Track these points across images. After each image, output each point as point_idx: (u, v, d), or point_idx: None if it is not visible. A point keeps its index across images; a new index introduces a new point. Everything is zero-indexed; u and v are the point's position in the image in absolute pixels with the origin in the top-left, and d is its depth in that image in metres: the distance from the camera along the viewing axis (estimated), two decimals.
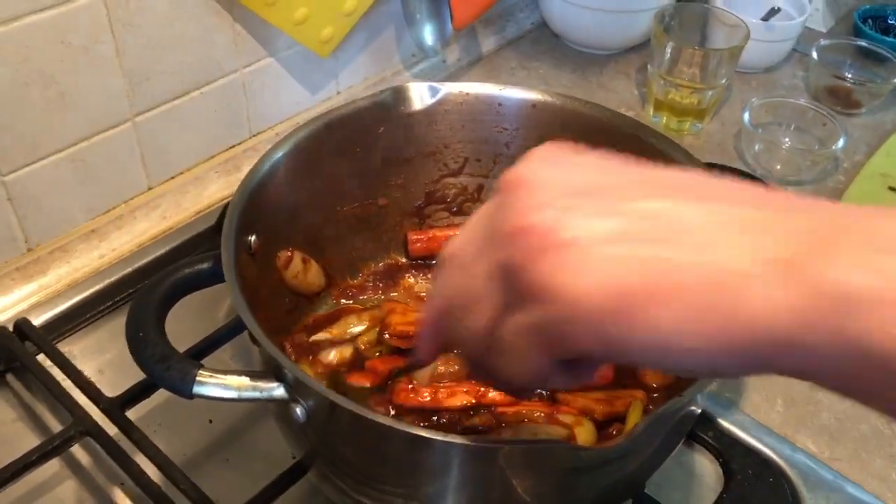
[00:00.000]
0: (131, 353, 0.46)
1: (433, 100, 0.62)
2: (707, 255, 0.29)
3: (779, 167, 0.90)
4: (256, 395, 0.45)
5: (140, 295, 0.48)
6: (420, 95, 0.62)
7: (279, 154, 0.56)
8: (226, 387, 0.45)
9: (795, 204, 0.30)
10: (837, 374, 0.28)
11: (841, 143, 0.88)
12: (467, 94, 0.63)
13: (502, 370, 0.35)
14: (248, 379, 0.46)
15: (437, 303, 0.38)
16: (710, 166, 0.58)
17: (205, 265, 0.50)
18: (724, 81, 0.93)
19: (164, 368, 0.45)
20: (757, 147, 0.92)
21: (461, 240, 0.36)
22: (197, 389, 0.45)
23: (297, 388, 0.45)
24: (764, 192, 0.31)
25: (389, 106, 0.62)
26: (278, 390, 0.46)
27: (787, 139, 0.93)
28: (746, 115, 0.91)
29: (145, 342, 0.45)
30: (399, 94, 0.62)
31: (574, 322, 0.31)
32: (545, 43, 1.10)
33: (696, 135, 0.96)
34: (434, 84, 0.62)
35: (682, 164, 0.59)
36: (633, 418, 0.56)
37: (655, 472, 0.55)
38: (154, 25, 0.71)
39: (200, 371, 0.45)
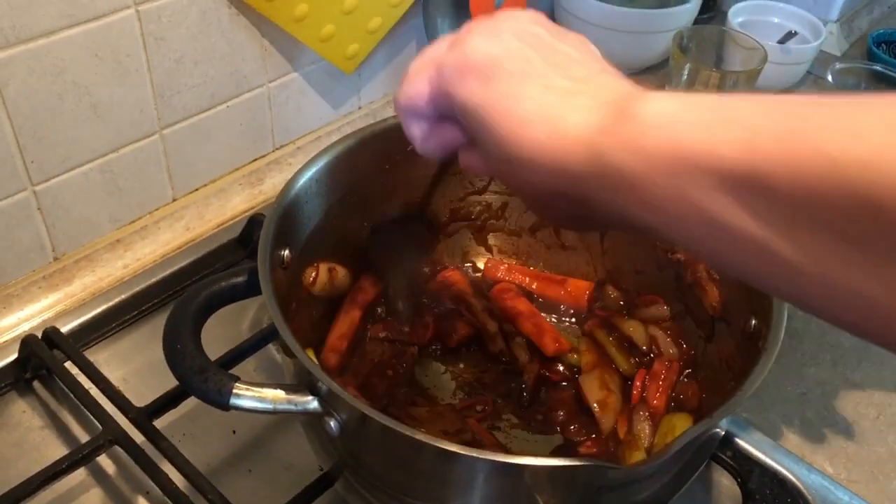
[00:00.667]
0: (169, 364, 0.46)
1: None
2: (547, 80, 0.40)
3: None
4: (291, 408, 0.46)
5: (176, 306, 0.48)
6: None
7: (313, 169, 0.57)
8: (262, 400, 0.46)
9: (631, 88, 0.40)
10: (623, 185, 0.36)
11: None
12: None
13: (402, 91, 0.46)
14: (283, 392, 0.46)
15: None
16: None
17: (240, 278, 0.51)
18: None
19: (202, 381, 0.45)
20: None
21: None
22: (234, 402, 0.45)
23: (330, 402, 0.46)
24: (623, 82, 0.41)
25: None
26: (313, 403, 0.46)
27: None
28: None
29: (183, 354, 0.46)
30: None
31: (455, 72, 0.42)
32: None
33: None
34: None
35: None
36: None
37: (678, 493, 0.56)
38: (184, 40, 0.72)
39: (237, 384, 0.46)
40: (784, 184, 0.29)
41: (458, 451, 0.42)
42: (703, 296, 0.61)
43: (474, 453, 0.43)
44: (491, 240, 0.72)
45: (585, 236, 0.70)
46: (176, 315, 0.47)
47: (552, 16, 1.11)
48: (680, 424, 0.59)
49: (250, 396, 0.45)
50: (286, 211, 0.54)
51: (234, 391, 0.45)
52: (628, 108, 0.36)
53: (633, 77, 1.05)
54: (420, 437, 0.42)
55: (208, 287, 0.50)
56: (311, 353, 0.61)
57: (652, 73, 1.09)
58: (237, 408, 0.45)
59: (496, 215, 0.71)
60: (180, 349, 0.46)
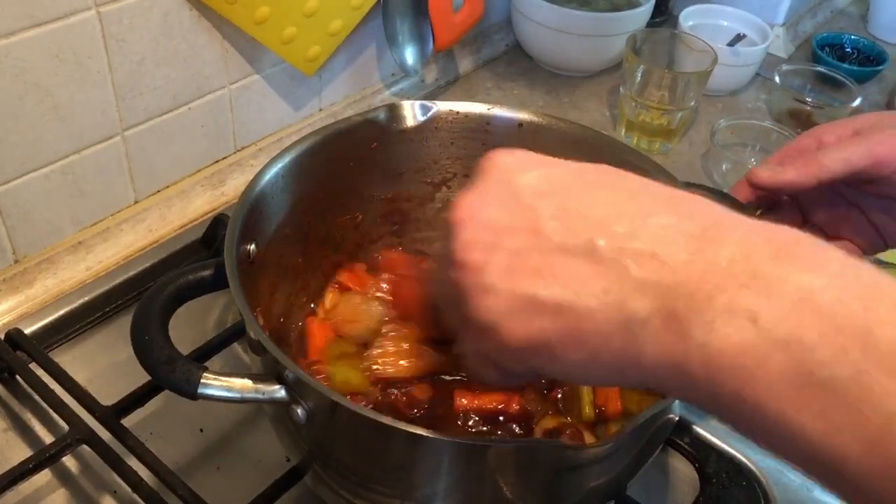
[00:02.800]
0: (137, 355, 0.47)
1: (425, 117, 0.65)
2: (608, 301, 0.34)
3: None
4: (259, 396, 0.47)
5: (144, 299, 0.49)
6: (413, 113, 0.64)
7: (278, 166, 0.58)
8: (229, 389, 0.47)
9: (717, 234, 0.33)
10: (716, 413, 0.33)
11: None
12: (457, 112, 0.65)
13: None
14: (250, 381, 0.47)
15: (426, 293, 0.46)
16: (688, 185, 0.61)
17: (207, 272, 0.51)
18: (692, 104, 0.97)
19: (170, 371, 0.46)
20: (724, 167, 0.96)
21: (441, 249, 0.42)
22: (202, 391, 0.46)
23: (297, 390, 0.47)
24: (688, 217, 0.35)
25: (383, 122, 0.64)
26: (280, 392, 0.47)
27: (752, 159, 0.98)
28: (714, 136, 0.95)
29: (151, 345, 0.47)
30: (392, 112, 0.64)
31: (505, 353, 0.38)
32: (520, 64, 1.14)
33: (665, 155, 0.99)
34: (426, 102, 0.65)
35: (656, 178, 0.62)
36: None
37: (636, 476, 0.58)
38: (146, 42, 0.72)
39: (205, 373, 0.46)
40: None
41: (424, 433, 0.43)
42: None
43: (439, 435, 0.44)
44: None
45: None
46: (144, 307, 0.48)
47: (509, 20, 1.13)
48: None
49: (218, 385, 0.46)
50: (253, 206, 0.55)
51: (203, 380, 0.46)
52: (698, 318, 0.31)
53: (588, 79, 1.05)
54: (386, 421, 0.43)
55: (176, 280, 0.50)
56: None
57: (607, 75, 1.12)
58: (205, 397, 0.46)
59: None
60: (148, 340, 0.46)
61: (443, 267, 0.40)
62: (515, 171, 0.39)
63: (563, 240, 0.35)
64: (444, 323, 0.43)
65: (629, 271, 0.34)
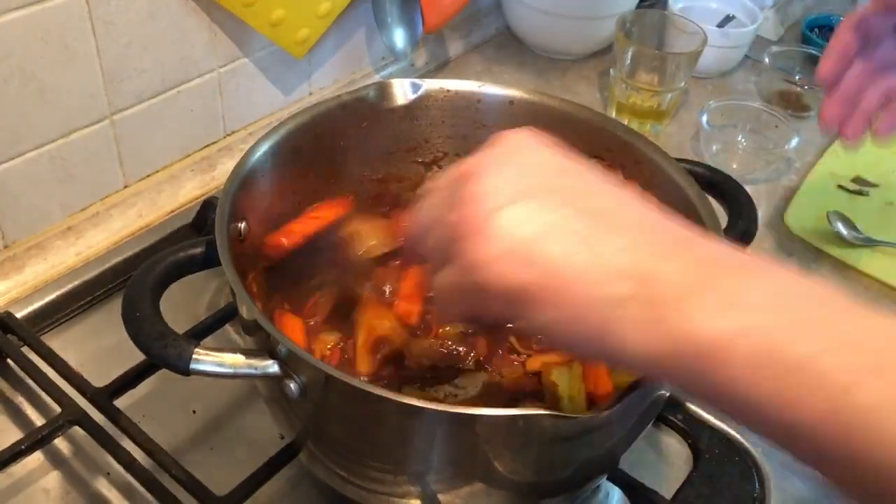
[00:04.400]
0: (128, 332, 0.47)
1: (415, 95, 0.64)
2: (594, 273, 0.36)
3: (735, 166, 0.94)
4: (252, 371, 0.47)
5: (135, 277, 0.49)
6: (403, 91, 0.64)
7: (268, 144, 0.58)
8: (221, 364, 0.47)
9: (691, 245, 0.38)
10: (693, 394, 0.36)
11: (794, 143, 0.93)
12: (448, 90, 0.65)
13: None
14: (243, 357, 0.47)
15: (414, 225, 0.46)
16: (679, 161, 0.61)
17: (198, 249, 0.51)
18: (682, 85, 0.97)
19: (162, 346, 0.46)
20: (714, 147, 0.96)
21: (438, 185, 0.44)
22: (194, 366, 0.46)
23: (290, 364, 0.47)
24: (670, 229, 0.39)
25: (373, 101, 0.63)
26: (273, 367, 0.47)
27: (742, 140, 0.98)
28: (704, 117, 0.95)
29: (142, 321, 0.46)
30: (382, 90, 0.64)
31: (483, 294, 0.39)
32: (509, 48, 1.14)
33: (656, 136, 0.99)
34: (416, 80, 0.64)
35: (646, 155, 0.62)
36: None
37: (628, 451, 0.58)
38: (134, 24, 0.72)
39: (197, 349, 0.46)
40: None
41: (416, 403, 0.43)
42: None
43: (431, 405, 0.44)
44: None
45: None
46: (135, 283, 0.48)
47: (499, 3, 1.13)
48: None
49: (210, 361, 0.46)
50: (243, 183, 0.55)
51: (195, 356, 0.46)
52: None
53: (578, 62, 1.05)
54: (378, 391, 0.43)
55: (167, 257, 0.50)
56: None
57: (597, 58, 1.12)
58: (198, 372, 0.46)
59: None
60: (140, 316, 0.46)
61: (441, 197, 0.42)
62: (528, 146, 0.42)
63: (559, 212, 0.38)
64: (425, 250, 0.44)
65: (614, 258, 0.37)
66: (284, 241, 0.62)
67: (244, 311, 0.48)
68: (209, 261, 0.52)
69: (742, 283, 0.35)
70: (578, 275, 0.37)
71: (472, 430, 0.45)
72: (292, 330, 0.63)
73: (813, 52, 1.07)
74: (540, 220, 0.38)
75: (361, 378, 0.60)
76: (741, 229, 0.59)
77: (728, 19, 1.10)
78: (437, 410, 0.44)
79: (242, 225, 0.55)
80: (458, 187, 0.40)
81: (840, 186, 0.94)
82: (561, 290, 0.37)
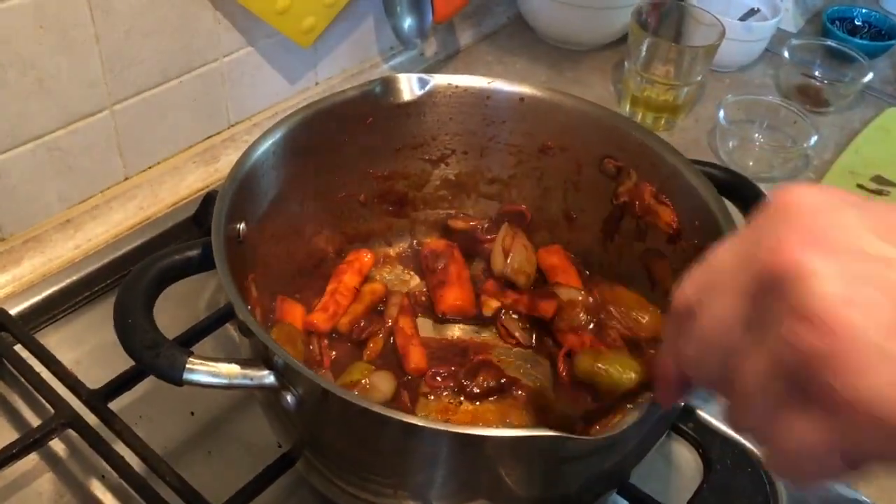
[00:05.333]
0: (120, 339, 0.45)
1: (422, 91, 0.62)
2: None
3: (751, 164, 0.92)
4: (247, 382, 0.45)
5: (128, 281, 0.47)
6: (409, 87, 0.62)
7: (269, 142, 0.56)
8: (216, 374, 0.45)
9: None
10: None
11: (813, 140, 0.90)
12: (456, 86, 0.63)
13: (784, 470, 0.32)
14: (238, 367, 0.45)
15: (682, 356, 0.35)
16: (696, 163, 0.59)
17: (194, 252, 0.49)
18: (699, 79, 0.94)
19: (154, 355, 0.44)
20: (731, 144, 0.93)
21: (704, 291, 0.33)
22: (187, 377, 0.44)
23: (287, 375, 0.45)
24: None
25: (379, 96, 0.61)
26: (269, 378, 0.45)
27: (759, 136, 0.95)
28: (721, 113, 0.92)
29: (134, 328, 0.45)
30: (389, 85, 0.61)
31: (891, 441, 0.28)
32: (521, 38, 1.11)
33: (670, 131, 0.97)
34: (423, 76, 0.62)
35: (662, 157, 0.60)
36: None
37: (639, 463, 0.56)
38: (134, 12, 0.70)
39: (190, 358, 0.44)
40: None
41: (416, 422, 0.42)
42: (657, 220, 0.61)
43: (435, 425, 0.42)
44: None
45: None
46: (127, 289, 0.46)
47: None
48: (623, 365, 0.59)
49: (204, 371, 0.44)
50: (242, 183, 0.53)
51: (188, 366, 0.44)
52: None
53: (592, 53, 1.03)
54: (378, 409, 0.42)
55: (160, 260, 0.48)
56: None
57: (611, 49, 1.09)
58: (191, 382, 0.44)
59: (457, 189, 0.70)
60: (131, 324, 0.44)
61: (733, 309, 0.31)
62: (826, 209, 0.30)
63: None
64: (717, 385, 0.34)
65: None
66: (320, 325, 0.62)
67: (241, 318, 0.47)
68: (206, 263, 0.50)
69: None
70: None
71: (477, 451, 0.43)
72: (294, 317, 0.62)
73: (833, 45, 1.04)
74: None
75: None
76: None
77: (752, 12, 1.07)
78: (437, 430, 0.42)
79: (241, 226, 0.53)
80: (769, 292, 0.30)
81: (859, 185, 0.91)
82: None
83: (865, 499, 0.61)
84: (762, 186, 0.61)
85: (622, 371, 0.58)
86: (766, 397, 0.31)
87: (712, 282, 0.33)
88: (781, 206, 0.31)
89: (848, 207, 0.30)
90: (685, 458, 0.65)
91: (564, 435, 0.41)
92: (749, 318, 0.31)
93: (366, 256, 0.67)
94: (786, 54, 1.02)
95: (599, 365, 0.59)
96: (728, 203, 0.57)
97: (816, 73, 1.01)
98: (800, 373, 0.29)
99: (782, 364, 0.29)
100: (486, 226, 0.70)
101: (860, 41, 1.11)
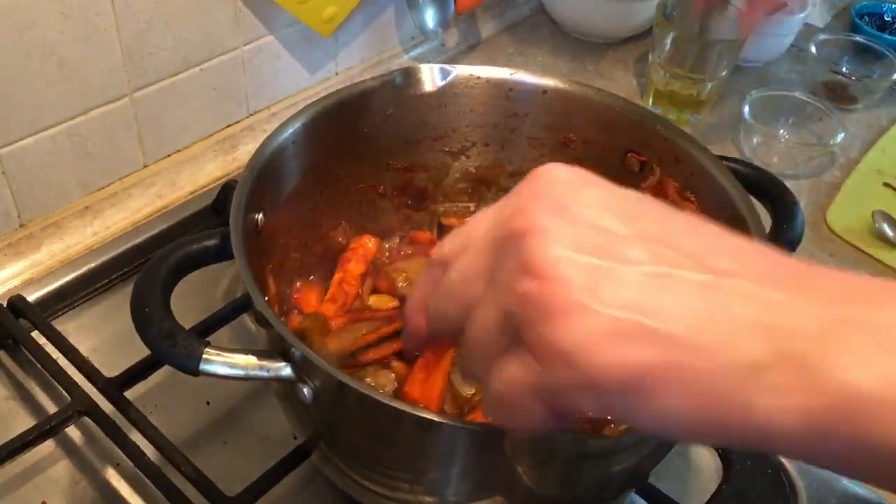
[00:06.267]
0: (136, 328, 0.45)
1: (444, 82, 0.62)
2: (720, 338, 0.29)
3: (776, 160, 0.90)
4: (263, 374, 0.45)
5: (145, 269, 0.47)
6: (431, 77, 0.61)
7: (288, 132, 0.55)
8: (232, 365, 0.44)
9: (812, 281, 0.30)
10: (842, 464, 0.28)
11: (839, 138, 0.89)
12: (478, 77, 0.62)
13: (493, 414, 0.35)
14: (255, 358, 0.45)
15: (428, 306, 0.38)
16: (720, 158, 0.58)
17: (212, 241, 0.49)
18: (724, 73, 0.93)
19: (171, 345, 0.44)
20: (755, 140, 0.92)
21: (458, 249, 0.36)
22: (203, 367, 0.44)
23: (304, 368, 0.45)
24: (781, 263, 0.31)
25: (399, 86, 0.61)
26: (285, 370, 0.45)
27: (784, 133, 0.94)
28: (746, 108, 0.91)
29: (151, 318, 0.44)
30: (410, 75, 0.61)
31: (581, 390, 0.30)
32: (544, 29, 1.10)
33: (694, 126, 0.95)
34: (445, 66, 0.61)
35: (687, 152, 0.59)
36: None
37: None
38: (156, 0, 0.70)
39: (207, 349, 0.44)
40: None
41: (434, 418, 0.41)
42: None
43: (453, 421, 0.42)
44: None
45: None
46: (144, 278, 0.46)
47: None
48: None
49: (221, 362, 0.44)
50: (260, 173, 0.52)
51: (205, 356, 0.43)
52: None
53: (615, 46, 1.02)
54: (396, 404, 0.41)
55: (179, 249, 0.48)
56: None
57: (634, 43, 1.08)
58: (207, 373, 0.44)
59: (479, 182, 0.69)
60: (148, 313, 0.44)
61: (476, 265, 0.34)
62: (575, 182, 0.33)
63: (656, 265, 0.30)
64: (456, 338, 0.36)
65: (736, 310, 0.29)
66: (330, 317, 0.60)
67: (258, 309, 0.46)
68: (224, 253, 0.49)
69: (885, 317, 0.28)
70: (704, 343, 0.28)
71: (495, 447, 0.43)
72: (309, 305, 0.61)
73: (862, 40, 1.03)
74: (637, 277, 0.30)
75: None
76: (787, 237, 0.55)
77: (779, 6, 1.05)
78: (455, 426, 0.41)
79: (259, 215, 0.53)
80: (506, 249, 0.32)
81: (887, 184, 0.90)
82: (686, 367, 0.29)
83: (887, 502, 0.60)
84: (787, 184, 0.60)
85: None
86: (489, 344, 0.33)
87: (467, 240, 0.36)
88: (534, 178, 0.34)
89: (595, 187, 0.33)
90: (704, 459, 0.64)
91: (586, 434, 0.41)
92: (489, 272, 0.33)
93: (369, 242, 0.66)
94: (813, 49, 1.01)
95: None
96: (754, 200, 0.56)
97: (844, 69, 0.99)
98: (517, 319, 0.31)
99: (505, 311, 0.32)
100: None
101: (890, 37, 1.09)
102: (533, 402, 0.32)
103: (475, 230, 0.36)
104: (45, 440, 0.57)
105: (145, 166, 0.78)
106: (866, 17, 1.13)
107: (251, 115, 0.85)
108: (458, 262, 0.35)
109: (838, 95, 1.00)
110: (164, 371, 0.61)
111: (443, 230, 0.70)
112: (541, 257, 0.30)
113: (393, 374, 0.57)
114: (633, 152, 0.61)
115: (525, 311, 0.31)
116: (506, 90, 0.63)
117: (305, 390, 0.45)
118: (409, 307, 0.41)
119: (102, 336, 0.68)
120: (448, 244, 0.37)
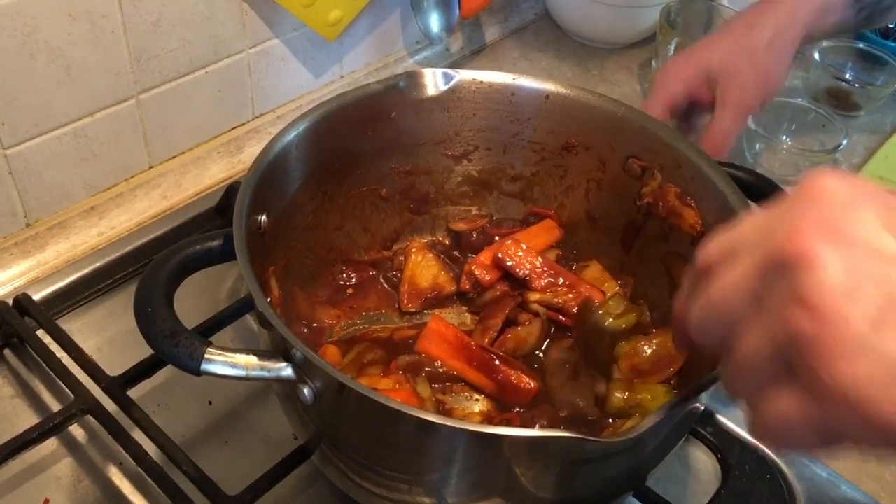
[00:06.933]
0: (139, 328, 0.45)
1: (447, 86, 0.62)
2: None
3: (778, 167, 0.91)
4: (264, 374, 0.45)
5: (149, 270, 0.47)
6: (434, 81, 0.62)
7: (293, 134, 0.56)
8: (234, 365, 0.45)
9: None
10: None
11: (842, 144, 0.89)
12: (481, 82, 0.63)
13: (763, 439, 0.34)
14: (256, 358, 0.45)
15: (691, 315, 0.36)
16: (720, 164, 0.58)
17: (215, 242, 0.49)
18: None
19: (173, 345, 0.44)
20: (757, 146, 0.92)
21: (724, 254, 0.34)
22: (205, 367, 0.44)
23: (305, 369, 0.45)
24: None
25: (403, 90, 0.61)
26: (286, 370, 0.45)
27: (787, 139, 0.94)
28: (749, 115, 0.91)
29: (154, 317, 0.45)
30: (413, 80, 0.61)
31: (864, 433, 0.30)
32: (548, 34, 1.10)
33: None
34: (448, 71, 0.62)
35: (688, 158, 0.59)
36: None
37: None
38: (163, 2, 0.70)
39: (209, 349, 0.45)
40: None
41: (434, 420, 0.42)
42: (681, 222, 0.60)
43: (452, 423, 0.42)
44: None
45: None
46: (148, 278, 0.46)
47: None
48: (658, 395, 0.58)
49: (222, 362, 0.44)
50: (264, 175, 0.53)
51: (206, 356, 0.44)
52: None
53: (619, 51, 1.02)
54: (396, 406, 0.42)
55: (182, 250, 0.48)
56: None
57: (638, 48, 1.08)
58: (209, 373, 0.44)
59: (479, 186, 0.70)
60: (151, 312, 0.45)
61: (744, 283, 0.33)
62: (849, 201, 0.31)
63: None
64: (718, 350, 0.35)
65: None
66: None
67: (260, 310, 0.47)
68: (227, 254, 0.50)
69: None
70: None
71: (494, 450, 0.43)
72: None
73: (865, 47, 1.03)
74: None
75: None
76: None
77: None
78: (454, 428, 0.42)
79: (263, 217, 0.53)
80: (777, 274, 0.31)
81: (890, 191, 0.90)
82: None
83: None
84: (788, 190, 0.60)
85: (651, 400, 0.57)
86: (758, 368, 0.32)
87: (733, 250, 0.34)
88: (808, 191, 0.32)
89: (870, 203, 0.31)
90: (703, 463, 0.64)
91: (583, 437, 0.41)
92: (756, 292, 0.32)
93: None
94: (816, 56, 1.01)
95: (632, 402, 0.58)
96: (753, 206, 0.56)
97: (847, 76, 1.00)
98: (790, 352, 0.30)
99: (776, 342, 0.31)
100: (488, 225, 0.70)
101: (893, 44, 1.09)
102: (808, 433, 0.31)
103: (742, 238, 0.34)
104: (48, 437, 0.58)
105: (151, 167, 0.79)
106: None
107: (256, 117, 0.86)
108: (723, 274, 0.34)
109: (841, 102, 1.00)
110: (168, 370, 0.62)
111: (454, 236, 0.70)
112: (817, 293, 0.29)
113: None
114: (635, 157, 0.61)
115: (800, 348, 0.30)
116: (508, 95, 0.63)
117: (306, 391, 0.45)
118: (675, 311, 0.40)
119: (107, 335, 0.69)
120: (714, 249, 0.36)
